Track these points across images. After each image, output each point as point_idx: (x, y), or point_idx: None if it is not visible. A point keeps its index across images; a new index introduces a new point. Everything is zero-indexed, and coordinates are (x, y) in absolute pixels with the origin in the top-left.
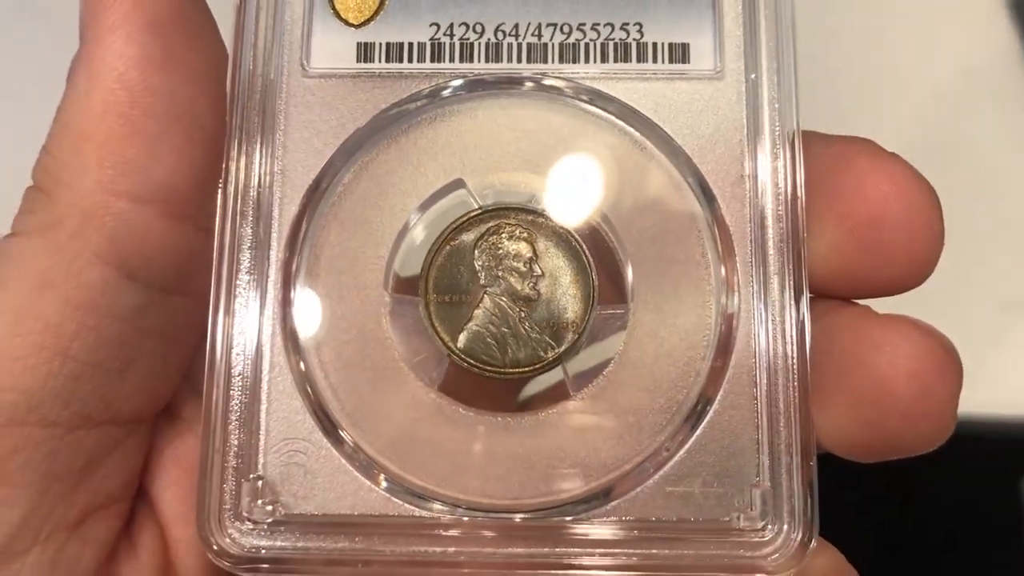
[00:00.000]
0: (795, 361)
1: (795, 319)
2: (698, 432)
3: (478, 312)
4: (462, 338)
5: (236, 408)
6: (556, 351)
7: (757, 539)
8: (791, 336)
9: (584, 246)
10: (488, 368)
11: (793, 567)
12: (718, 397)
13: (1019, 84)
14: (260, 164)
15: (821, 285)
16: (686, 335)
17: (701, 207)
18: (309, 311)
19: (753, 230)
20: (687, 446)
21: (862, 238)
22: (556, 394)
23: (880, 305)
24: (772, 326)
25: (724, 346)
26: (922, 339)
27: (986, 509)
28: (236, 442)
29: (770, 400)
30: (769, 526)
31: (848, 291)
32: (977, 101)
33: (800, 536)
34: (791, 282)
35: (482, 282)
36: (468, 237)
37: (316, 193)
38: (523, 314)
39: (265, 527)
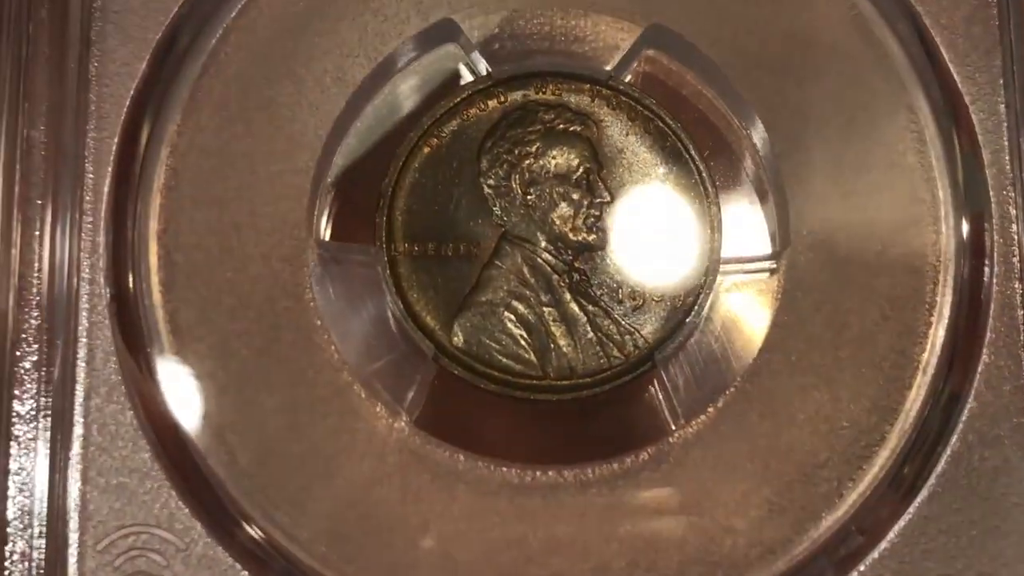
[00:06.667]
0: None
1: None
2: (924, 491)
3: (490, 275)
4: (461, 324)
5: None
6: (643, 345)
7: None
8: None
9: (693, 143)
10: (514, 381)
11: None
12: (961, 420)
13: None
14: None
15: None
16: (894, 307)
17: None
18: (165, 281)
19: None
20: (904, 518)
21: None
22: (644, 427)
23: None
24: None
25: (969, 316)
26: None
27: None
28: (20, 546)
29: None
30: None
31: None
32: None
33: None
34: None
35: (498, 218)
36: (468, 131)
37: (168, 58)
38: (578, 277)
39: None
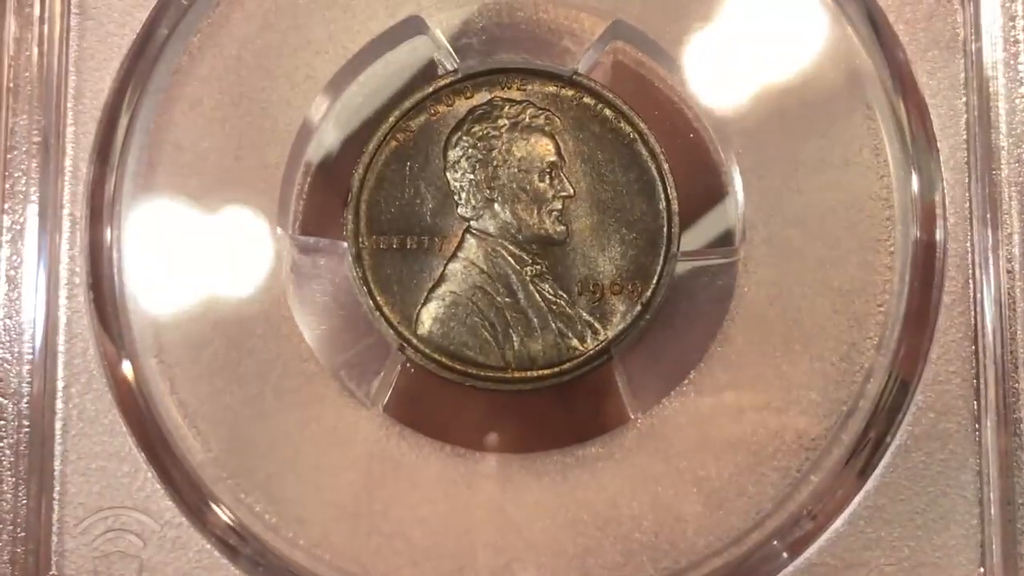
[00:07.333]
0: None
1: None
2: (872, 481)
3: (455, 268)
4: (426, 315)
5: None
6: (601, 337)
7: None
8: None
9: (653, 139)
10: (476, 372)
11: None
12: (909, 413)
13: None
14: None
15: None
16: (845, 301)
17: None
18: (141, 273)
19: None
20: (852, 507)
21: None
22: (601, 416)
23: None
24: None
25: (919, 313)
26: None
27: None
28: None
29: (1003, 414)
30: None
31: None
32: None
33: None
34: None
35: (462, 211)
36: (435, 125)
37: (143, 55)
38: (539, 269)
39: None
